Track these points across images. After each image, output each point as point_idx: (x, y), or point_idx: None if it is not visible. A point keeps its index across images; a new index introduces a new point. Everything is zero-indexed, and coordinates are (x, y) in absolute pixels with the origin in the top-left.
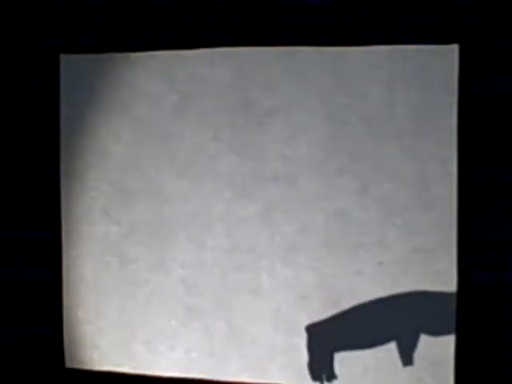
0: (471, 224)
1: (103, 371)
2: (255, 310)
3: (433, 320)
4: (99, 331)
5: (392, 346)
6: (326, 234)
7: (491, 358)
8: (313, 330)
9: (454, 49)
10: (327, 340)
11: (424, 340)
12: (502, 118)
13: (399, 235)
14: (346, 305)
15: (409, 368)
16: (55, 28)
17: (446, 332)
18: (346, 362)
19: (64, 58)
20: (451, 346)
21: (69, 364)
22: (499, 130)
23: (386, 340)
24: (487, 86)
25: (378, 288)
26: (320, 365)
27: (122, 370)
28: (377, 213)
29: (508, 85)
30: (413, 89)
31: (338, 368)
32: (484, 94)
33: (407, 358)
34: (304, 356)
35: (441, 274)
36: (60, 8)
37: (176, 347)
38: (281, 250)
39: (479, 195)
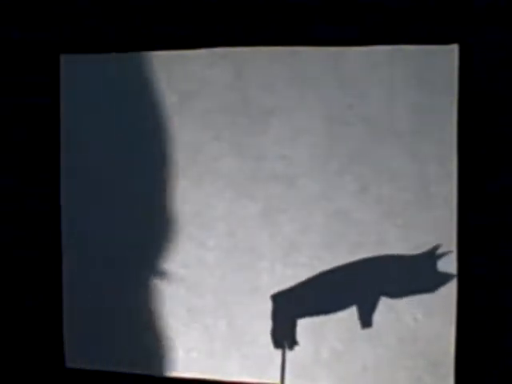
0: (471, 224)
1: (103, 371)
2: (255, 309)
3: (393, 282)
4: (99, 331)
5: (389, 343)
6: (326, 234)
7: (491, 358)
8: (277, 299)
9: (454, 49)
10: (290, 307)
11: (424, 339)
12: (502, 118)
13: (399, 235)
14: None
15: (409, 367)
16: (55, 28)
17: (408, 293)
18: (345, 361)
19: (64, 58)
20: (451, 346)
21: (69, 364)
22: (499, 129)
23: (346, 304)
24: (487, 86)
25: None
26: (282, 332)
27: (123, 370)
28: (377, 213)
29: (508, 84)
30: (413, 89)
31: (337, 367)
32: (484, 94)
33: (367, 321)
34: (304, 356)
35: (441, 274)
36: (60, 8)
37: (176, 347)
38: (281, 249)
39: (479, 195)
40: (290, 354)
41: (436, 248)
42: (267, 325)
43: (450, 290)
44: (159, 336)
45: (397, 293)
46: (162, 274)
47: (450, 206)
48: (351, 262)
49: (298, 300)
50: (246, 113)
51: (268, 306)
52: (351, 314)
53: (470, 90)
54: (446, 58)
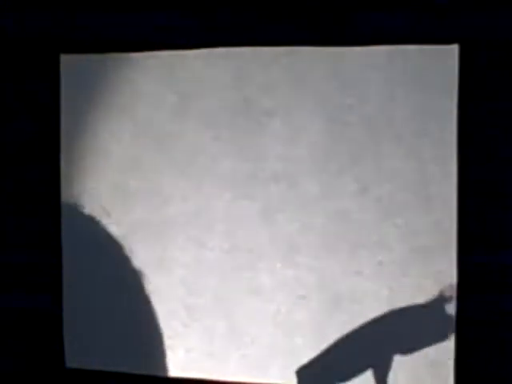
0: (471, 224)
1: (103, 371)
2: (255, 309)
3: (404, 338)
4: (99, 331)
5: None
6: (326, 234)
7: (491, 358)
8: (302, 373)
9: (454, 49)
10: (316, 379)
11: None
12: (503, 118)
13: (399, 235)
14: (346, 305)
15: (409, 368)
16: (55, 28)
17: (420, 347)
18: (345, 362)
19: (64, 58)
20: (451, 346)
21: (69, 364)
22: (499, 129)
23: (363, 369)
24: (487, 86)
25: (378, 288)
26: None
27: (122, 370)
28: (377, 213)
29: (508, 84)
30: (413, 89)
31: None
32: (484, 94)
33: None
34: (304, 356)
35: (441, 274)
36: (60, 8)
37: (176, 347)
38: (281, 250)
39: (479, 195)
40: (290, 355)
41: (438, 296)
42: (267, 325)
43: (449, 290)
44: (159, 336)
45: (408, 348)
46: (161, 274)
47: (450, 206)
48: (361, 325)
49: (321, 371)
50: (246, 113)
51: (268, 305)
52: (352, 313)
53: (470, 90)
54: (445, 58)
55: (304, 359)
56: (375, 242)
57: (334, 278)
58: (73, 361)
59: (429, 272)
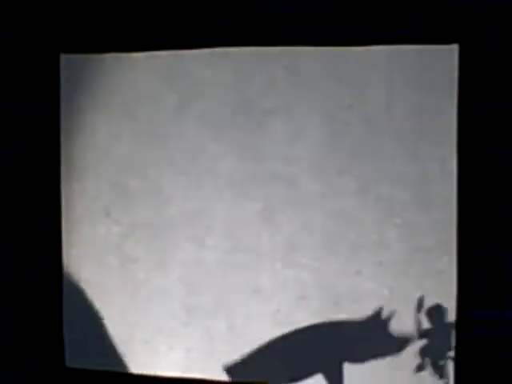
0: (471, 223)
1: (103, 371)
2: (255, 310)
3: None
4: (99, 331)
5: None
6: (326, 234)
7: (491, 357)
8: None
9: (454, 49)
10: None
11: (424, 340)
12: (502, 118)
13: (399, 235)
14: (346, 305)
15: (409, 367)
16: (55, 28)
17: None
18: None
19: (64, 58)
20: (451, 346)
21: (69, 364)
22: (499, 129)
23: (310, 373)
24: (487, 86)
25: (377, 288)
26: None
27: (122, 370)
28: (377, 213)
29: (508, 84)
30: (413, 89)
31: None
32: (484, 94)
33: None
34: (304, 356)
35: (441, 274)
36: (60, 8)
37: (176, 347)
38: (281, 250)
39: (479, 195)
40: (289, 354)
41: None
42: (267, 325)
43: (449, 291)
44: (159, 336)
45: (360, 357)
46: (161, 274)
47: (450, 206)
48: (308, 326)
49: (255, 369)
50: (246, 113)
51: (268, 306)
52: (352, 313)
53: (470, 89)
54: (445, 58)
55: (304, 359)
56: (375, 241)
57: (334, 278)
58: (73, 361)
59: (429, 272)
